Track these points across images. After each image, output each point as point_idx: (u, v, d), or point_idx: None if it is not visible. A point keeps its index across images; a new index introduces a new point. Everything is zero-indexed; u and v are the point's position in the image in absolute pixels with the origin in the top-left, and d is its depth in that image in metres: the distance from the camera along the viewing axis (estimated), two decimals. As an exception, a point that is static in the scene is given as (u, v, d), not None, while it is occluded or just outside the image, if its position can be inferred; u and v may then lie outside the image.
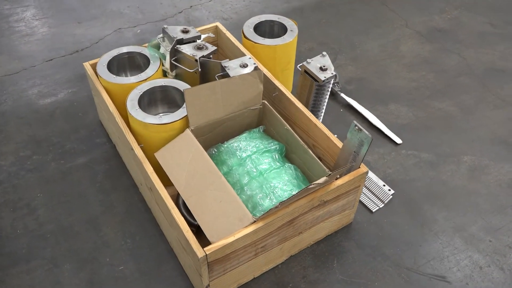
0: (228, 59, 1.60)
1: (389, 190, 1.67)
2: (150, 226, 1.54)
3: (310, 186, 1.19)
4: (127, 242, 1.50)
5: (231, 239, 1.19)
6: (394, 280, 1.43)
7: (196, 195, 1.30)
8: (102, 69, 1.62)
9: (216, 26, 1.89)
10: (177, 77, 1.72)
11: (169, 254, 1.47)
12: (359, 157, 1.36)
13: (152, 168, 1.36)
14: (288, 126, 1.49)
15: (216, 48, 1.67)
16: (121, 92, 1.59)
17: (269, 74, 1.65)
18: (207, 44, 1.67)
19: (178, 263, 1.44)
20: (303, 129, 1.58)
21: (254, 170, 1.39)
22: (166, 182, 1.36)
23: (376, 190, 1.66)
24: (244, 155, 1.42)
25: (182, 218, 1.24)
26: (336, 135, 1.48)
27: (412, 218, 1.60)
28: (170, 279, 1.41)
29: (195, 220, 1.30)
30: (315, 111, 1.76)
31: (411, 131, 1.91)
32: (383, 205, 1.63)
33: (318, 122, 1.51)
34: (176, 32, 1.70)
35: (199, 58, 1.60)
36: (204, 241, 1.22)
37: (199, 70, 1.61)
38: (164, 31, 1.72)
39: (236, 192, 1.36)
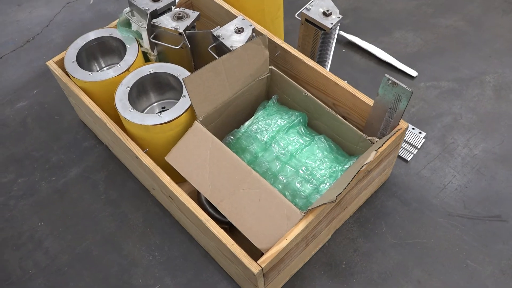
0: (219, 26, 1.35)
1: (420, 132, 1.53)
2: (175, 231, 1.38)
3: (362, 168, 1.03)
4: (155, 256, 1.34)
5: (283, 243, 1.05)
6: (449, 232, 1.34)
7: (227, 198, 1.13)
8: (72, 67, 1.36)
9: (188, -17, 1.61)
10: (160, 56, 1.47)
11: (205, 259, 1.32)
12: (397, 114, 1.19)
13: (169, 178, 1.17)
14: (306, 92, 1.30)
15: (198, 13, 1.41)
16: (102, 90, 1.35)
17: (265, 31, 1.41)
18: (187, 11, 1.41)
19: (218, 266, 1.31)
20: (320, 89, 1.39)
21: (284, 154, 1.21)
22: (179, 178, 1.19)
23: (406, 136, 1.52)
24: (266, 137, 1.23)
25: (222, 231, 1.08)
26: (346, 81, 1.30)
27: (451, 157, 1.48)
28: (214, 285, 1.28)
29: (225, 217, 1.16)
30: (321, 61, 1.56)
31: (424, 58, 1.74)
32: (416, 150, 1.50)
33: (339, 80, 1.32)
34: (145, 2, 1.41)
35: (184, 31, 1.35)
36: (241, 239, 1.08)
37: (187, 45, 1.36)
38: (130, 4, 1.43)
39: (270, 182, 1.20)
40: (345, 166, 1.18)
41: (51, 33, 1.92)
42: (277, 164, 1.21)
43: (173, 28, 1.36)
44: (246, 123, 1.27)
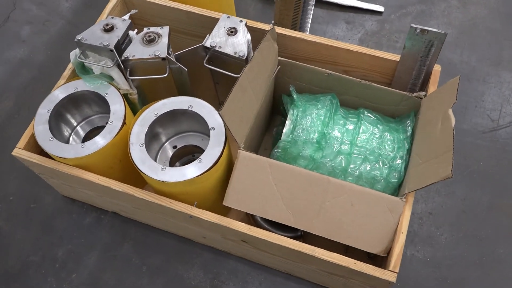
0: (208, 35, 1.15)
1: (420, 65, 1.50)
2: (249, 269, 1.24)
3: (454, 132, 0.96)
4: (240, 303, 1.20)
5: (402, 237, 0.97)
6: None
7: (315, 217, 1.01)
8: (54, 146, 1.08)
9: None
10: (139, 90, 1.24)
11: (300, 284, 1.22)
12: (431, 59, 1.14)
13: (244, 224, 1.01)
14: (328, 71, 1.18)
15: (168, 27, 1.19)
16: (102, 158, 1.10)
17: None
18: (154, 29, 1.17)
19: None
20: (325, 61, 1.27)
21: (342, 144, 1.11)
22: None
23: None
24: (315, 136, 1.11)
25: (335, 255, 0.97)
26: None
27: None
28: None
29: (290, 230, 1.07)
30: (303, 29, 1.43)
31: (381, -11, 1.69)
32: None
33: (350, 45, 1.21)
34: (98, 37, 1.15)
35: (171, 55, 1.13)
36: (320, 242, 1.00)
37: (182, 68, 1.14)
38: (80, 44, 1.15)
39: (345, 177, 1.10)
40: (407, 134, 1.11)
41: (-36, 110, 1.53)
42: (340, 158, 1.10)
43: (153, 56, 1.13)
44: (286, 129, 1.13)
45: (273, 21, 1.41)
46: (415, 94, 1.14)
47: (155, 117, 1.09)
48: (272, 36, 1.10)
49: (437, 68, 1.17)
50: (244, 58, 1.10)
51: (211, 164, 1.02)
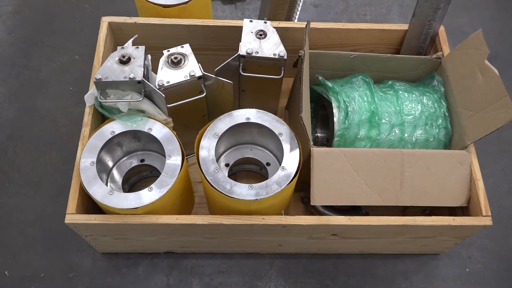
0: (241, 43, 1.10)
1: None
2: (327, 260, 1.25)
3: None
4: None
5: (480, 183, 1.06)
6: None
7: (399, 190, 1.06)
8: (116, 199, 0.97)
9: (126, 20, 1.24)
10: (174, 115, 1.15)
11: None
12: (437, 21, 1.24)
13: (347, 217, 1.02)
14: (353, 52, 1.21)
15: (187, 44, 1.12)
16: (170, 197, 1.02)
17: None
18: (175, 50, 1.10)
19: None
20: (334, 44, 1.32)
21: (392, 116, 1.16)
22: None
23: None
24: (364, 115, 1.14)
25: (440, 218, 1.03)
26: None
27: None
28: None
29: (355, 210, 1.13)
30: (293, 20, 1.45)
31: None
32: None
33: (360, 24, 1.27)
34: (118, 71, 1.05)
35: (214, 72, 1.08)
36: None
37: (227, 82, 1.09)
38: (101, 84, 1.05)
39: (404, 146, 1.15)
40: (440, 92, 1.20)
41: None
42: (396, 130, 1.16)
43: (188, 77, 1.07)
44: (337, 117, 1.14)
45: (265, 18, 1.40)
46: (434, 55, 1.24)
47: (217, 138, 1.04)
48: (308, 34, 1.11)
49: (442, 28, 1.27)
50: (286, 57, 1.09)
51: (295, 169, 1.01)
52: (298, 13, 1.44)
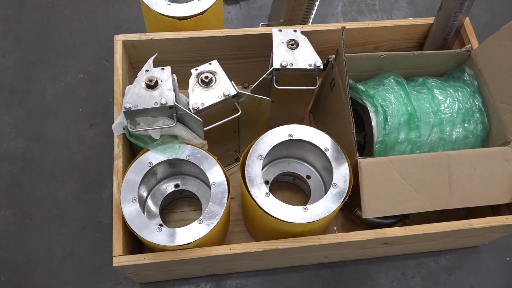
0: (273, 56, 1.05)
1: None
2: (375, 264, 1.23)
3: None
4: None
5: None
6: None
7: (449, 193, 1.04)
8: (166, 236, 0.92)
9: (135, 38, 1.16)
10: (205, 136, 1.10)
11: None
12: (464, 12, 1.20)
13: (402, 227, 1.00)
14: (382, 52, 1.17)
15: (215, 60, 1.06)
16: (218, 227, 0.97)
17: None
18: (204, 68, 1.04)
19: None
20: (359, 43, 1.27)
21: (430, 117, 1.13)
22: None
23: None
24: (403, 118, 1.11)
25: (493, 218, 1.02)
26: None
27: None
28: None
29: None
30: (308, 21, 1.39)
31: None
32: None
33: (384, 22, 1.22)
34: (147, 97, 0.98)
35: (249, 89, 1.02)
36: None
37: (266, 99, 1.03)
38: (131, 113, 0.98)
39: (446, 149, 1.13)
40: (474, 87, 1.18)
41: None
42: (436, 129, 1.13)
43: (223, 97, 1.01)
44: (375, 122, 1.11)
45: (281, 20, 1.34)
46: (463, 49, 1.21)
47: (262, 160, 0.99)
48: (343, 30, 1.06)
49: (467, 20, 1.24)
50: (322, 67, 1.04)
51: (347, 186, 0.97)
52: (314, 13, 1.39)
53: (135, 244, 1.06)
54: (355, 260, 1.24)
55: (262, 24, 1.54)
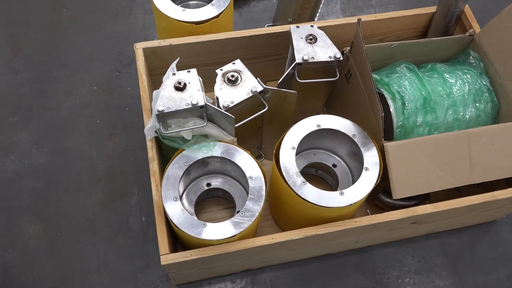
0: (294, 51, 1.09)
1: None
2: (400, 247, 1.27)
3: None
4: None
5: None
6: None
7: (469, 170, 1.09)
8: (212, 231, 0.94)
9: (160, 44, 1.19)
10: (239, 134, 1.13)
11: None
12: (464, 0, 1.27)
13: (432, 204, 1.05)
14: (393, 42, 1.23)
15: (238, 59, 1.10)
16: (257, 220, 1.01)
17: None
18: (229, 68, 1.08)
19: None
20: (366, 36, 1.32)
21: (444, 99, 1.19)
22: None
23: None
24: (419, 103, 1.17)
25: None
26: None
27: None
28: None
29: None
30: (315, 15, 1.44)
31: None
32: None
33: (391, 13, 1.28)
34: (178, 99, 1.01)
35: (276, 85, 1.06)
36: None
37: (291, 92, 1.07)
38: (163, 115, 1.01)
39: (461, 129, 1.19)
40: (480, 68, 1.24)
41: None
42: (450, 111, 1.19)
43: (251, 94, 1.05)
44: (393, 108, 1.16)
45: (289, 19, 1.39)
46: (467, 33, 1.27)
47: (294, 150, 1.03)
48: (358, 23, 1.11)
49: (466, 6, 1.31)
50: (342, 58, 1.09)
51: (378, 168, 1.02)
52: (319, 11, 1.44)
53: (172, 243, 1.09)
54: (382, 244, 1.28)
55: (267, 26, 1.58)
